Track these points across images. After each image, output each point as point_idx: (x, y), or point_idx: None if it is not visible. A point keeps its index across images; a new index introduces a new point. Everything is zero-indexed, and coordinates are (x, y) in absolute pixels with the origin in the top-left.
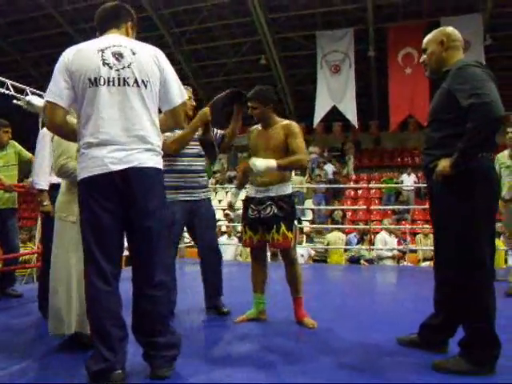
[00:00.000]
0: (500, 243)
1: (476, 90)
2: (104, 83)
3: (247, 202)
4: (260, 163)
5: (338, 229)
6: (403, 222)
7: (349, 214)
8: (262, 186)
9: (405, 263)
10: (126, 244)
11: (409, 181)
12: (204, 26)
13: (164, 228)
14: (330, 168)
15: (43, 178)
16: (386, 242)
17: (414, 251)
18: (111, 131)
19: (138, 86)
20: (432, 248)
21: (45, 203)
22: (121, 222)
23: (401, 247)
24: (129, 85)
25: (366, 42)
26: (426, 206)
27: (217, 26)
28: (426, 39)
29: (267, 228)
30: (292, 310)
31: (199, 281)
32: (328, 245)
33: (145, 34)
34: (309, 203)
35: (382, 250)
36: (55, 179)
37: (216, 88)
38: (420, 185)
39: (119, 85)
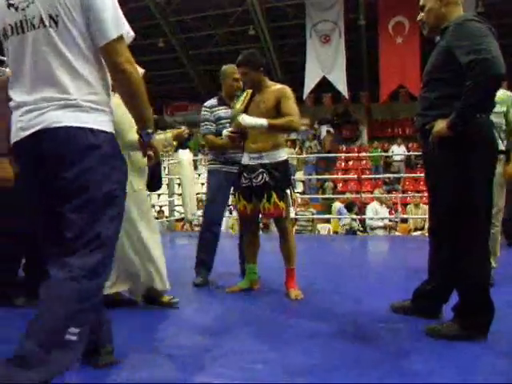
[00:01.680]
0: None
1: (476, 46)
2: (12, 32)
3: (241, 169)
4: (248, 118)
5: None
6: (394, 193)
7: (339, 185)
8: (255, 152)
9: (396, 233)
10: None
11: (399, 151)
12: None
13: (93, 213)
14: (323, 129)
15: None
16: (377, 211)
17: (405, 221)
18: (21, 90)
19: (44, 25)
20: (423, 217)
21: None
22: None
23: (392, 217)
24: (35, 27)
25: (356, 10)
26: (417, 175)
27: None
28: None
29: (259, 196)
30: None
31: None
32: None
33: (130, 5)
34: (299, 175)
35: (372, 219)
36: None
37: (204, 60)
38: (411, 153)
39: (25, 30)
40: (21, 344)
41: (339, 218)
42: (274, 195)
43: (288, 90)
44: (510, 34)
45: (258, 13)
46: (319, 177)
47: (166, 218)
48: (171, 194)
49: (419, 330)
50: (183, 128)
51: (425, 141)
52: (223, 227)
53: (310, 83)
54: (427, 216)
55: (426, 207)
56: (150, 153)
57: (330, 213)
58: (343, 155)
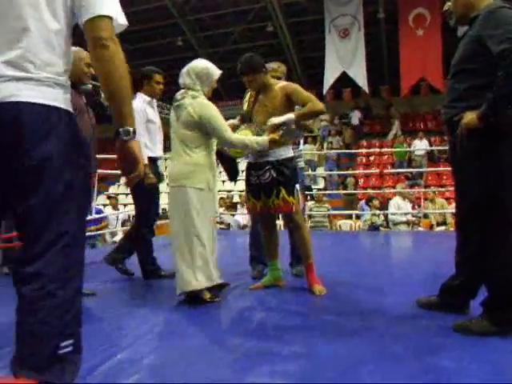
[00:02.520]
0: None
1: (509, 35)
2: None
3: (248, 168)
4: (275, 119)
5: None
6: (416, 188)
7: (361, 181)
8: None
9: (419, 228)
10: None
11: (421, 146)
12: None
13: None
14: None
15: (144, 152)
16: (399, 206)
17: (427, 216)
18: None
19: None
20: (445, 211)
21: (151, 175)
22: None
23: (415, 212)
24: None
25: (375, 3)
26: (440, 169)
27: None
28: None
29: (268, 193)
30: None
31: None
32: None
33: (147, 6)
34: (321, 170)
35: (395, 214)
36: (152, 153)
37: (223, 58)
38: (433, 148)
39: None
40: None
41: (361, 214)
42: (283, 191)
43: (293, 84)
44: None
45: (276, 9)
46: (339, 172)
47: None
48: None
49: (447, 326)
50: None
51: (452, 133)
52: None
53: (329, 78)
54: (446, 210)
55: (443, 201)
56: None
57: (352, 209)
58: (365, 150)
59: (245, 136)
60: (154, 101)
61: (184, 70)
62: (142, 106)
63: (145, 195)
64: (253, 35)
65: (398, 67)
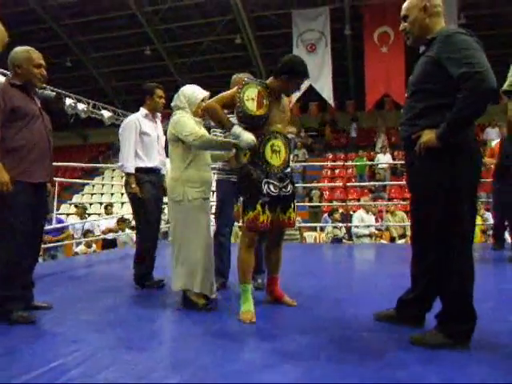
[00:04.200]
0: (478, 219)
1: (468, 59)
2: None
3: (263, 177)
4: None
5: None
6: (380, 201)
7: (326, 193)
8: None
9: (382, 241)
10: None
11: (384, 160)
12: (177, 4)
13: None
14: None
15: (130, 163)
16: (363, 219)
17: (388, 229)
18: None
19: None
20: (401, 224)
21: (133, 185)
22: None
23: (377, 224)
24: None
25: (342, 20)
26: (403, 182)
27: (190, 5)
28: (406, 5)
29: (285, 207)
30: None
31: None
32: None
33: (117, 13)
34: None
35: (357, 227)
36: (144, 163)
37: (190, 69)
38: (396, 162)
39: None
40: None
41: (324, 227)
42: (293, 204)
43: None
44: (491, 46)
45: (245, 22)
46: (305, 185)
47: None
48: None
49: (403, 339)
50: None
51: (409, 150)
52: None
53: (296, 92)
54: (406, 223)
55: (403, 214)
56: None
57: (316, 221)
58: (329, 163)
59: (208, 137)
60: (158, 115)
61: (176, 95)
62: (136, 119)
63: (139, 208)
64: (221, 47)
65: (364, 82)
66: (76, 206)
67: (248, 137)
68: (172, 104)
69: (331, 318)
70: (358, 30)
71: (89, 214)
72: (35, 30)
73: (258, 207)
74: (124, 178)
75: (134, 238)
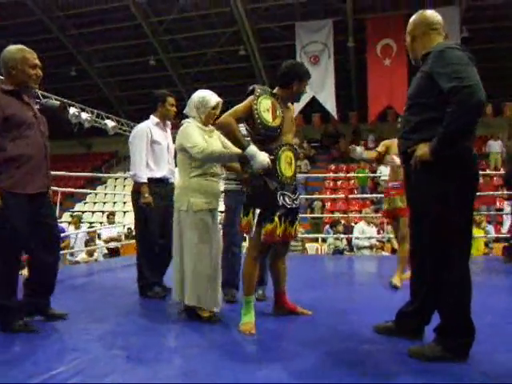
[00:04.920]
0: (476, 230)
1: (458, 74)
2: None
3: (276, 188)
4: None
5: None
6: (381, 212)
7: (328, 204)
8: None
9: (383, 253)
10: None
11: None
12: (182, 15)
13: None
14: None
15: (143, 172)
16: (363, 231)
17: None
18: None
19: None
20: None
21: (146, 195)
22: None
23: (378, 236)
24: None
25: (345, 33)
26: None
27: (195, 16)
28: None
29: (293, 219)
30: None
31: None
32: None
33: (121, 24)
34: None
35: (358, 239)
36: (153, 173)
37: (195, 79)
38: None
39: None
40: None
41: (326, 238)
42: (298, 217)
43: None
44: (491, 60)
45: (249, 34)
46: (307, 196)
47: None
48: None
49: (402, 352)
50: None
51: (407, 164)
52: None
53: (299, 103)
54: None
55: None
56: None
57: (318, 232)
58: (332, 175)
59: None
60: (168, 123)
61: (188, 101)
62: (148, 127)
63: (141, 217)
64: (225, 58)
65: (366, 94)
66: (71, 216)
67: (263, 159)
68: (184, 111)
69: (331, 329)
70: (361, 43)
71: (91, 223)
72: (41, 39)
73: (276, 219)
74: (130, 187)
75: None
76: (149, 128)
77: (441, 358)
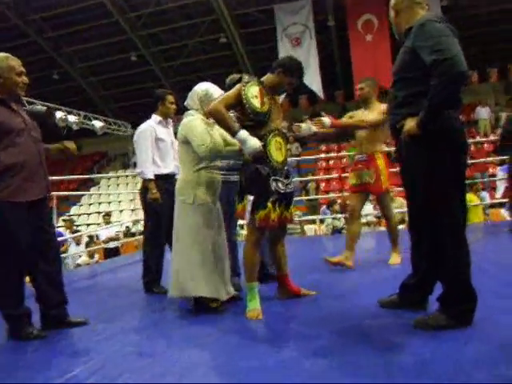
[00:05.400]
0: (473, 198)
1: (438, 46)
2: None
3: (268, 174)
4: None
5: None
6: None
7: (322, 185)
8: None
9: (381, 228)
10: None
11: None
12: (159, 8)
13: None
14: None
15: (150, 169)
16: None
17: None
18: None
19: None
20: (401, 211)
21: (153, 191)
22: None
23: (375, 212)
24: None
25: (324, 11)
26: (397, 169)
27: (172, 8)
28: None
29: (288, 203)
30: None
31: None
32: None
33: (99, 22)
34: None
35: None
36: (160, 170)
37: (178, 72)
38: (389, 149)
39: None
40: None
41: (324, 219)
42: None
43: None
44: (473, 26)
45: (228, 20)
46: (301, 179)
47: None
48: None
49: (407, 323)
50: None
51: (397, 139)
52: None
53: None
54: (405, 209)
55: (402, 200)
56: None
57: (314, 213)
58: (323, 155)
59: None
60: (170, 120)
61: (189, 93)
62: (151, 126)
63: (152, 214)
64: (206, 47)
65: (351, 72)
66: (64, 220)
67: (254, 143)
68: (185, 103)
69: (337, 308)
70: (342, 21)
71: (88, 225)
72: (19, 45)
73: (269, 205)
74: (138, 185)
75: None
76: (152, 126)
77: (445, 326)
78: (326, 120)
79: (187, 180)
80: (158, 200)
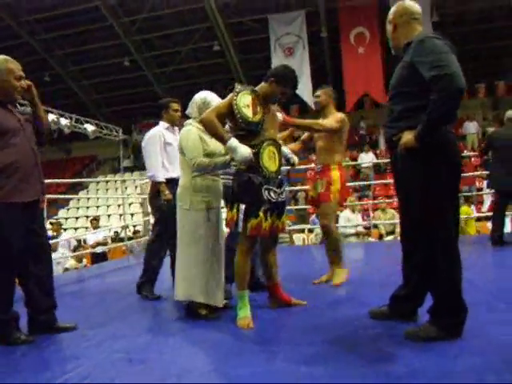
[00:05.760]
0: (469, 211)
1: (438, 62)
2: None
3: (261, 183)
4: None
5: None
6: (365, 199)
7: None
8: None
9: (370, 239)
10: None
11: (367, 158)
12: (154, 14)
13: None
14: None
15: (161, 172)
16: (349, 219)
17: (377, 226)
18: None
19: None
20: (391, 222)
21: (166, 192)
22: None
23: (365, 223)
24: None
25: (318, 23)
26: (387, 181)
27: (167, 14)
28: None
29: (280, 213)
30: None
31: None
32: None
33: (94, 26)
34: None
35: (345, 227)
36: (169, 174)
37: (170, 78)
38: (379, 160)
39: None
40: None
41: (313, 228)
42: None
43: None
44: (463, 42)
45: (222, 29)
46: (291, 188)
47: (141, 237)
48: (146, 214)
49: (398, 334)
50: None
51: (393, 151)
52: None
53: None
54: (396, 220)
55: (393, 211)
56: None
57: (303, 223)
58: (313, 165)
59: (206, 160)
60: (176, 128)
61: (190, 102)
62: (160, 131)
63: (160, 217)
64: (199, 54)
65: (342, 84)
66: (51, 223)
67: (244, 151)
68: (186, 111)
69: (327, 318)
70: (335, 32)
71: (76, 229)
72: (10, 46)
73: (261, 214)
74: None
75: None
76: (161, 132)
77: (436, 337)
78: (279, 115)
79: (185, 186)
80: (171, 200)
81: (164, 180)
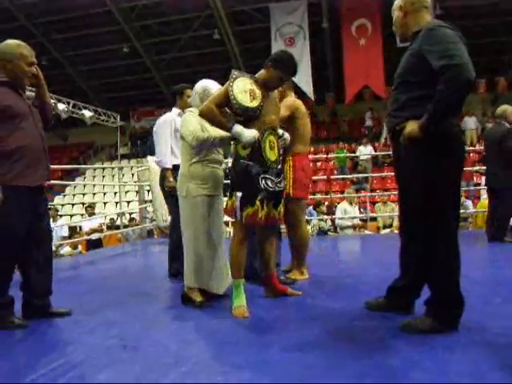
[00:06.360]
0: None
1: (447, 52)
2: None
3: (258, 173)
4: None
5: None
6: (362, 192)
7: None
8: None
9: (366, 232)
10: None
11: (365, 151)
12: (154, 0)
13: None
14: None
15: (168, 158)
16: (346, 211)
17: (374, 219)
18: None
19: None
20: (390, 215)
21: (170, 179)
22: None
23: (362, 215)
24: None
25: (319, 13)
26: (384, 174)
27: (167, 1)
28: (393, 6)
29: (277, 202)
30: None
31: None
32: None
33: (92, 10)
34: None
35: (342, 219)
36: (176, 160)
37: (169, 65)
38: (377, 153)
39: None
40: None
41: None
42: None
43: None
44: (466, 36)
45: (223, 17)
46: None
47: (137, 225)
48: (142, 201)
49: (395, 326)
50: None
51: (396, 141)
52: None
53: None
54: (395, 213)
55: (394, 205)
56: None
57: None
58: (311, 156)
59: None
60: None
61: (192, 90)
62: (171, 118)
63: (174, 203)
64: (199, 42)
65: (343, 75)
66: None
67: (250, 134)
68: (188, 100)
69: (323, 308)
70: (336, 23)
71: (71, 216)
72: (7, 29)
73: (257, 203)
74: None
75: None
76: (173, 118)
77: (432, 329)
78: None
79: (183, 174)
80: (175, 188)
81: (170, 167)
